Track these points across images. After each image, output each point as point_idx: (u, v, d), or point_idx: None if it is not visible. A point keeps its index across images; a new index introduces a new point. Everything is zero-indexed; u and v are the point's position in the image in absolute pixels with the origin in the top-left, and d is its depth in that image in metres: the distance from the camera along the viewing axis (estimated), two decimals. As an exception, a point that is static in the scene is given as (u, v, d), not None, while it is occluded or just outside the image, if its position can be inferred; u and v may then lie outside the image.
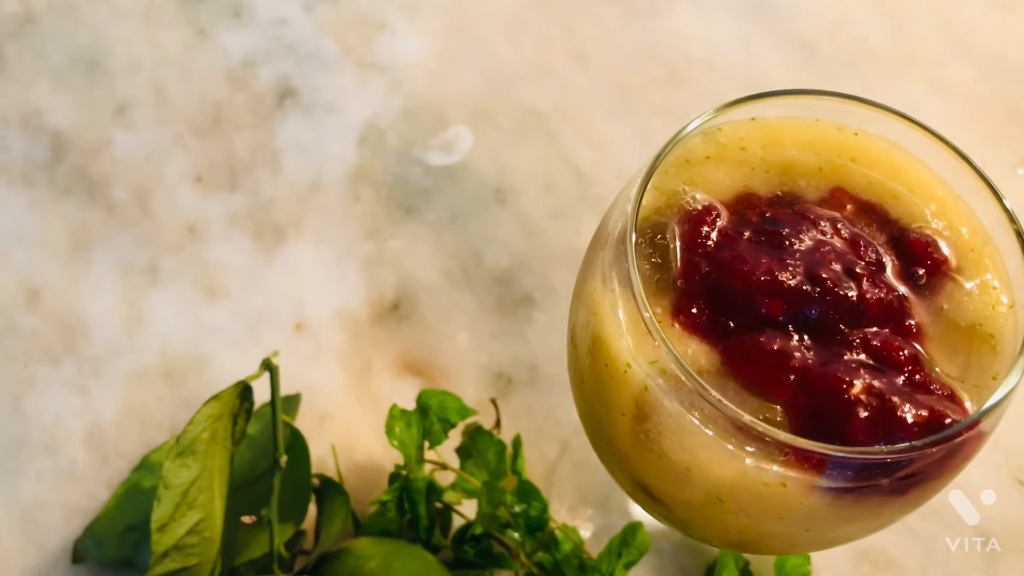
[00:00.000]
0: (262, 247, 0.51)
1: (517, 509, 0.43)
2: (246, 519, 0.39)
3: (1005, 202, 0.25)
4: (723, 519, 0.25)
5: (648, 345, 0.23)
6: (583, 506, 0.46)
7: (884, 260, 0.25)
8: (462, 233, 0.51)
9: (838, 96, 0.26)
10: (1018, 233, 0.25)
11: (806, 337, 0.24)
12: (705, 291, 0.24)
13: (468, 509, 0.43)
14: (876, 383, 0.23)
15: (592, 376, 0.26)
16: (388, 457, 0.46)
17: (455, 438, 0.44)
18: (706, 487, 0.24)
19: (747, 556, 0.44)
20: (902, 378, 0.23)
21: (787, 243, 0.25)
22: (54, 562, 0.44)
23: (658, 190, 0.26)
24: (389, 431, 0.42)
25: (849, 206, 0.26)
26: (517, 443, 0.45)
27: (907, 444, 0.22)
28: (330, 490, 0.42)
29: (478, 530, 0.42)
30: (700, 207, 0.25)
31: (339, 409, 0.47)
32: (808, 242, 0.25)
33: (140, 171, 0.52)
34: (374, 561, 0.39)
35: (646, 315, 0.23)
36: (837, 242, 0.25)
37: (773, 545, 0.26)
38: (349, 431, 0.47)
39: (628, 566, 0.41)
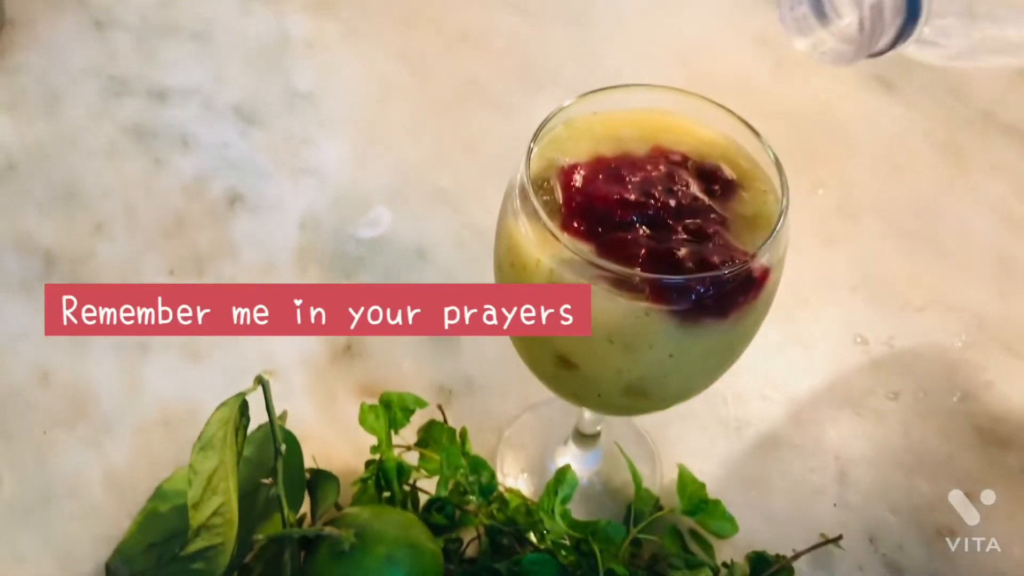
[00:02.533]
0: (232, 317, 0.62)
1: (471, 479, 0.54)
2: (265, 481, 0.49)
3: (761, 138, 0.39)
4: (615, 362, 0.37)
5: (550, 243, 0.36)
6: (523, 474, 0.57)
7: (691, 183, 0.39)
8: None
9: (648, 87, 0.40)
10: (772, 154, 0.39)
11: (647, 230, 0.37)
12: (580, 212, 0.37)
13: (430, 487, 0.54)
14: (695, 248, 0.36)
15: (515, 278, 0.38)
16: (360, 463, 0.56)
17: (414, 435, 0.55)
18: (601, 331, 0.36)
19: (655, 492, 0.56)
20: (711, 245, 0.37)
21: (627, 178, 0.38)
22: (90, 583, 0.52)
23: (540, 158, 0.39)
24: (362, 421, 0.52)
25: (665, 156, 0.40)
26: (464, 433, 0.56)
27: (711, 273, 0.35)
28: (321, 477, 0.52)
29: (442, 494, 0.53)
30: (569, 165, 0.39)
31: (313, 431, 0.57)
32: (640, 177, 0.38)
33: (122, 271, 0.63)
34: (364, 515, 0.49)
35: (547, 223, 0.36)
36: (659, 175, 0.39)
37: (652, 381, 0.38)
38: (324, 448, 0.57)
39: (564, 501, 0.52)
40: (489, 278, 0.64)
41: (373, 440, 0.54)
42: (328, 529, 0.47)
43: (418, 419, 0.55)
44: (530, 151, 0.38)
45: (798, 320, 0.65)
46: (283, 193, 0.68)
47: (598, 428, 0.55)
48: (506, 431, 0.59)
